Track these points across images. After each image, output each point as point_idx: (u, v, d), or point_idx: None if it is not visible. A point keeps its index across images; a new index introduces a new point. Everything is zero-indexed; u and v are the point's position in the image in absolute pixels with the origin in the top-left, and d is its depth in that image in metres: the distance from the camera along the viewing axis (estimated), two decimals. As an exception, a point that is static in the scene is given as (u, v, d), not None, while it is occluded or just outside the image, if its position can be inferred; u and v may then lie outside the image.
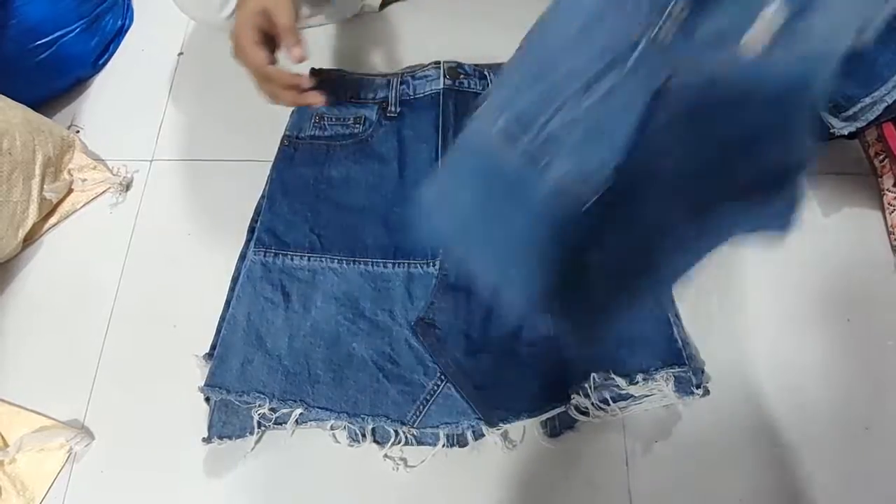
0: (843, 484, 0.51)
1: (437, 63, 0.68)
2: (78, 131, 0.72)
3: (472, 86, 0.67)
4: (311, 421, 0.53)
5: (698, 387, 0.51)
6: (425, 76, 0.67)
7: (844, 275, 0.59)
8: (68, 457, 0.55)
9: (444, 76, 0.67)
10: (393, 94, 0.67)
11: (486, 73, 0.68)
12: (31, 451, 0.55)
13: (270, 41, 0.56)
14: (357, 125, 0.65)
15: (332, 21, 0.77)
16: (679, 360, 0.52)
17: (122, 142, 0.71)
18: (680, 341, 0.53)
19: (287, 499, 0.53)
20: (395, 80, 0.68)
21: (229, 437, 0.52)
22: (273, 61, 0.55)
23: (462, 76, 0.67)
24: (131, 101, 0.74)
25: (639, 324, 0.53)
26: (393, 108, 0.66)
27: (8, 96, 0.64)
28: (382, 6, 0.78)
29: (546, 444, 0.53)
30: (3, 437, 0.56)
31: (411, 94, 0.67)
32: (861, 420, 0.53)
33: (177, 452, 0.55)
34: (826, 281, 0.59)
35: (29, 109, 0.65)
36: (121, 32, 0.79)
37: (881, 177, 0.62)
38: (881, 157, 0.62)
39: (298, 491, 0.53)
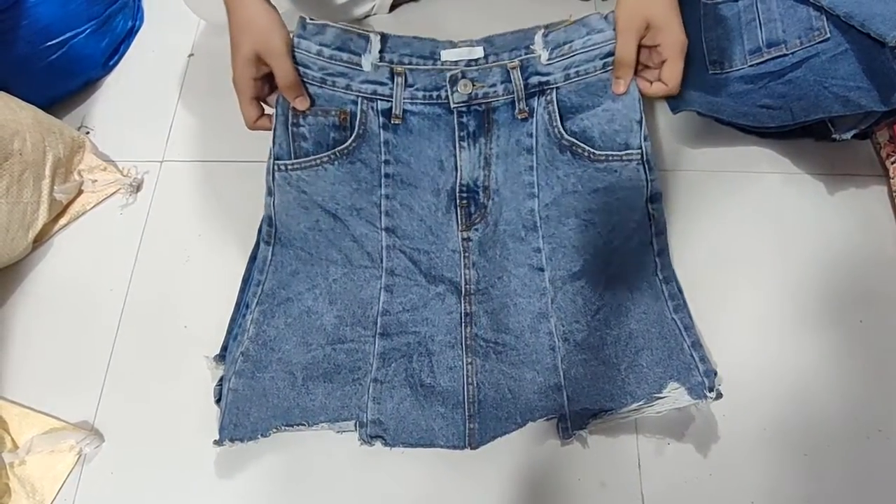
0: (855, 486, 0.51)
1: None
2: (88, 132, 0.72)
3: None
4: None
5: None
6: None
7: (856, 276, 0.59)
8: (78, 458, 0.55)
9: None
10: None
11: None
12: (41, 452, 0.55)
13: (269, 74, 0.55)
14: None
15: (342, 21, 0.77)
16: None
17: (132, 143, 0.71)
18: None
19: (299, 499, 0.53)
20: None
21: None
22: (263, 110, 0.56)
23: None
24: (142, 102, 0.74)
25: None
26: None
27: (19, 97, 0.64)
28: (392, 7, 0.78)
29: (559, 444, 0.53)
30: (13, 438, 0.56)
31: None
32: (874, 422, 0.53)
33: (187, 454, 0.55)
34: (838, 282, 0.59)
35: (39, 110, 0.65)
36: (131, 33, 0.79)
37: (892, 178, 0.62)
38: (892, 159, 0.62)
39: (309, 490, 0.53)
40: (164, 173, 0.70)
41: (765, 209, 0.62)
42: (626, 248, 0.56)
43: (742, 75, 0.56)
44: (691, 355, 0.52)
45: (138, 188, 0.69)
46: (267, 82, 0.56)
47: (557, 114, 0.56)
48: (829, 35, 0.53)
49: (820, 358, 0.56)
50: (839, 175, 0.63)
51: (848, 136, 0.56)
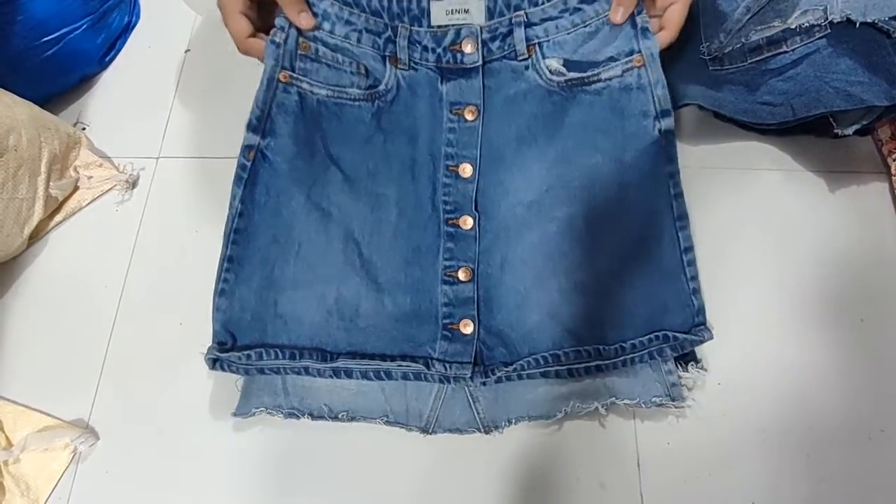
0: (857, 486, 0.51)
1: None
2: (84, 128, 0.72)
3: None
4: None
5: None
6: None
7: (857, 274, 0.58)
8: (73, 457, 0.55)
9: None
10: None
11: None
12: (35, 451, 0.54)
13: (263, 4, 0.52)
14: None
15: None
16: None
17: (128, 139, 0.71)
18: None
19: (296, 496, 0.52)
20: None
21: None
22: (260, 27, 0.52)
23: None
24: (138, 98, 0.74)
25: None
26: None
27: (14, 93, 0.63)
28: None
29: (558, 443, 0.52)
30: (7, 436, 0.55)
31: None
32: (876, 422, 0.53)
33: (182, 452, 0.54)
34: (838, 280, 0.58)
35: (35, 106, 0.65)
36: (127, 29, 0.78)
37: (894, 175, 0.61)
38: (894, 156, 0.61)
39: (308, 488, 0.53)
40: (160, 170, 0.69)
41: (765, 206, 0.62)
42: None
43: (742, 72, 0.56)
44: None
45: (134, 185, 0.68)
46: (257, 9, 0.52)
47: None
48: (829, 30, 0.52)
49: (820, 357, 0.55)
50: (840, 172, 0.63)
51: (850, 131, 0.56)
